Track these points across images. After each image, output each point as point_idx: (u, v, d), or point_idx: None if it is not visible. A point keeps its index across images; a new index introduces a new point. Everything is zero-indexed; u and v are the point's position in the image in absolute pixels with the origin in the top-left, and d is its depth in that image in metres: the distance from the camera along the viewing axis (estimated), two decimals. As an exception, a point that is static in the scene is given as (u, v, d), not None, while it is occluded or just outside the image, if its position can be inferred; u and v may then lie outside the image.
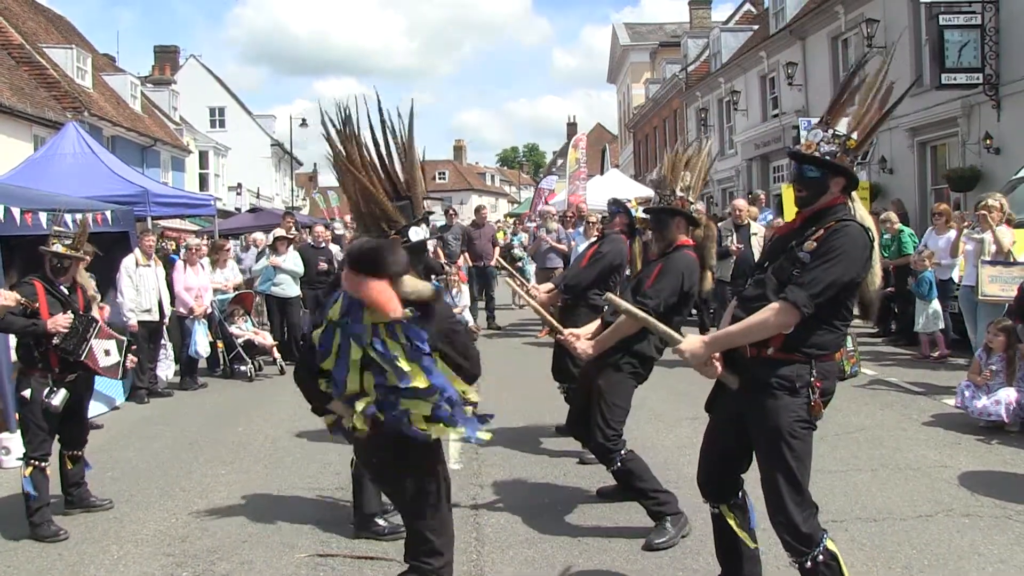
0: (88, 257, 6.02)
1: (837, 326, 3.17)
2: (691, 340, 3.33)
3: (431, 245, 3.60)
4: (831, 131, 3.17)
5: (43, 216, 7.31)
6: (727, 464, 3.47)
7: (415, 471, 3.12)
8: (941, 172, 16.71)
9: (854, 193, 3.27)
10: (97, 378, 5.67)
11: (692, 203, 4.66)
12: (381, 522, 4.78)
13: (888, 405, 7.80)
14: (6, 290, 5.14)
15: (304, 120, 42.69)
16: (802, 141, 3.31)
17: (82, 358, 5.20)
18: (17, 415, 5.79)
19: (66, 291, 5.32)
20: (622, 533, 4.75)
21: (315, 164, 57.77)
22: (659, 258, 4.76)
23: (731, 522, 3.49)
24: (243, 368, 10.43)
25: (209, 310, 10.19)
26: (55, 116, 20.90)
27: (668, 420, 7.30)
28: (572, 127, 70.21)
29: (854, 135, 3.18)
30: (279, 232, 12.18)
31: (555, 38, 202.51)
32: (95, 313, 5.51)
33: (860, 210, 3.24)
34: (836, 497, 5.18)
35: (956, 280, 9.71)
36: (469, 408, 3.15)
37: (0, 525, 5.16)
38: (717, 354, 3.26)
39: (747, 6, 34.65)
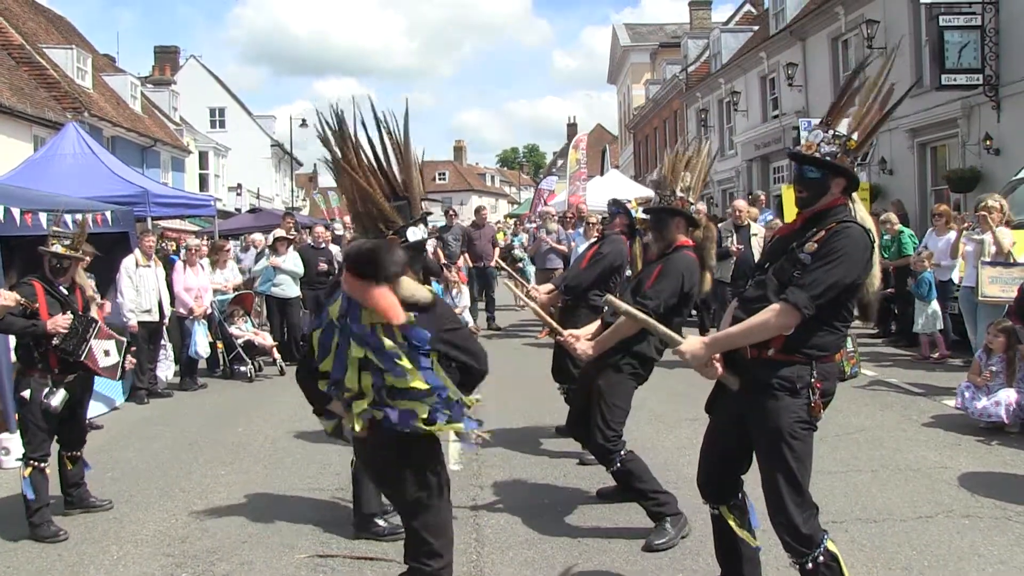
0: (87, 258, 6.02)
1: (837, 327, 3.17)
2: (691, 341, 3.33)
3: (431, 245, 3.60)
4: (831, 132, 3.17)
5: (43, 216, 7.31)
6: (727, 465, 3.46)
7: (415, 472, 3.12)
8: (941, 173, 16.71)
9: (855, 194, 3.27)
10: (97, 378, 5.67)
11: (692, 204, 4.66)
12: (381, 522, 4.78)
13: (888, 406, 7.80)
14: (6, 290, 5.14)
15: (304, 120, 42.68)
16: (802, 142, 3.31)
17: (82, 358, 5.19)
18: (16, 416, 5.79)
19: (65, 291, 5.32)
20: (622, 534, 4.74)
21: (315, 165, 57.56)
22: (659, 259, 4.76)
23: (731, 523, 3.49)
24: (243, 369, 10.43)
25: (209, 311, 10.19)
26: (55, 116, 20.91)
27: (668, 421, 7.30)
28: (572, 128, 70.24)
29: (854, 136, 3.18)
30: (279, 233, 12.18)
31: (555, 39, 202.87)
32: (94, 313, 5.51)
33: (861, 211, 3.23)
34: (836, 498, 5.18)
35: (956, 281, 9.71)
36: (467, 411, 3.17)
37: (0, 525, 5.16)
38: (717, 355, 3.26)
39: (747, 7, 34.67)
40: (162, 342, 9.70)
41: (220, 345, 10.49)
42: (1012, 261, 8.26)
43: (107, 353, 5.48)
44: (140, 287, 8.98)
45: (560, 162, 55.31)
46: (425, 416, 3.00)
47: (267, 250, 12.11)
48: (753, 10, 33.67)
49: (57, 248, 5.24)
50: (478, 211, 15.30)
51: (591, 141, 24.30)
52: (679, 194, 4.58)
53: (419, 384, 2.97)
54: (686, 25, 40.13)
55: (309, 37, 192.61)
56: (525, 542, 4.70)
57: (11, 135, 19.44)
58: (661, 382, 7.17)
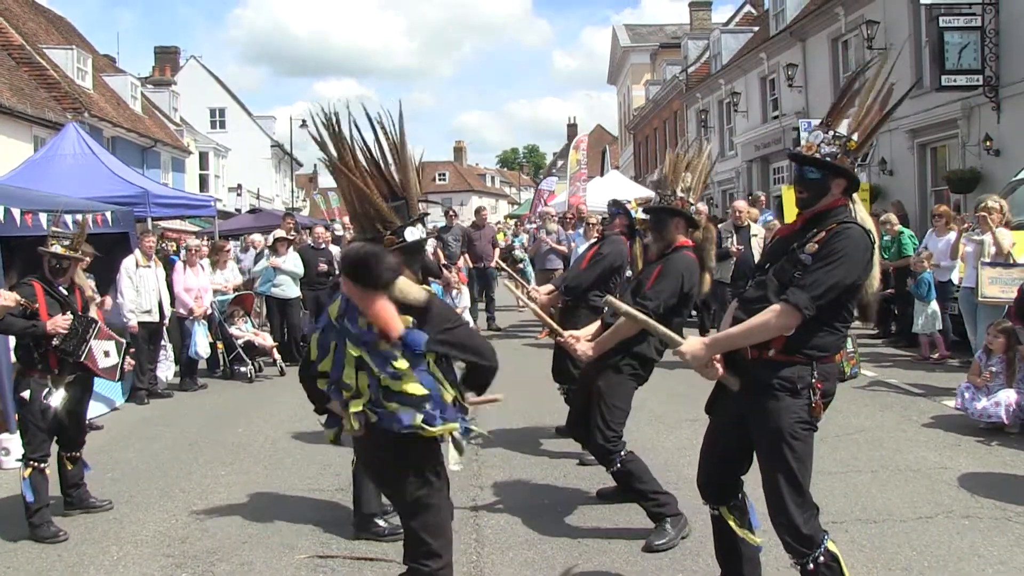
0: (87, 258, 6.02)
1: (838, 328, 3.17)
2: (692, 342, 3.33)
3: (430, 246, 3.61)
4: (832, 132, 3.17)
5: (43, 217, 7.31)
6: (727, 466, 3.46)
7: (413, 472, 3.12)
8: (941, 174, 16.71)
9: (855, 195, 3.27)
10: (97, 379, 5.67)
11: (692, 204, 4.66)
12: (381, 523, 4.78)
13: (888, 407, 7.80)
14: (6, 291, 5.14)
15: (304, 121, 42.59)
16: (803, 143, 3.31)
17: (82, 359, 5.20)
18: (16, 416, 5.79)
19: (65, 292, 5.32)
20: (622, 534, 4.74)
21: (315, 165, 57.71)
22: (658, 259, 4.76)
23: (731, 523, 3.49)
24: (243, 369, 10.43)
25: (209, 311, 10.19)
26: (55, 117, 20.91)
27: (668, 422, 7.30)
28: (572, 128, 70.28)
29: (855, 136, 3.18)
30: (279, 233, 12.18)
31: (555, 39, 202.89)
32: (93, 313, 5.51)
33: (861, 212, 3.24)
34: (836, 498, 5.18)
35: (956, 282, 9.71)
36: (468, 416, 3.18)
37: (0, 526, 5.16)
38: (718, 356, 3.26)
39: (747, 7, 34.68)
40: (162, 343, 9.71)
41: (220, 346, 10.49)
42: (1012, 262, 8.27)
43: (107, 354, 5.49)
44: (140, 287, 8.98)
45: (560, 163, 55.31)
46: (417, 421, 3.01)
47: (267, 251, 12.11)
48: (753, 11, 33.68)
49: (56, 248, 5.24)
50: (478, 212, 15.30)
51: (591, 142, 24.31)
52: (679, 194, 4.59)
53: (413, 388, 2.98)
54: (686, 26, 40.14)
55: (309, 37, 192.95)
56: (525, 543, 4.70)
57: (11, 135, 19.44)
58: (661, 383, 7.17)
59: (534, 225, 16.74)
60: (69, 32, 30.92)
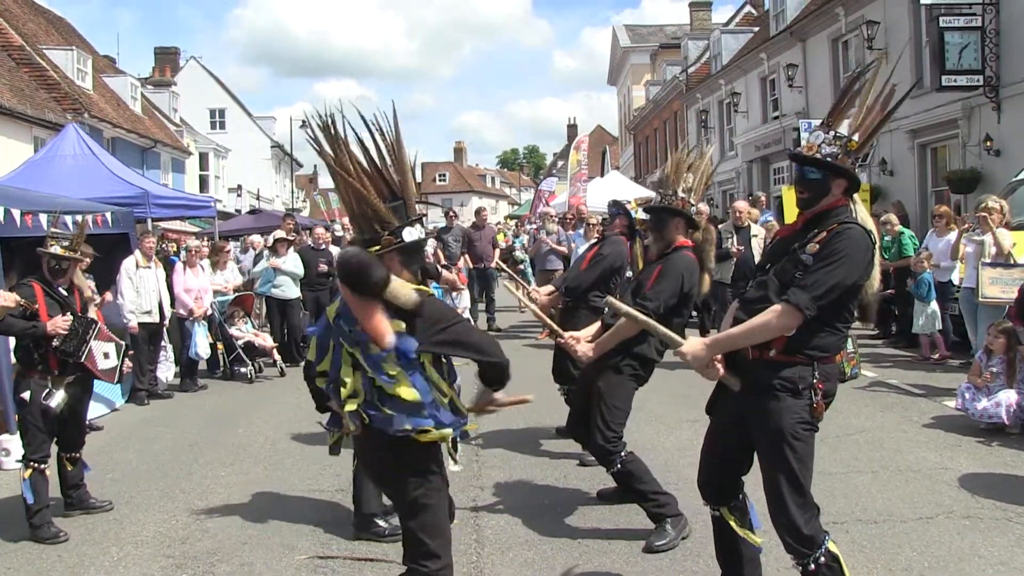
0: (86, 259, 6.02)
1: (839, 328, 3.17)
2: (692, 342, 3.33)
3: (430, 246, 3.61)
4: (832, 133, 3.17)
5: (43, 218, 7.31)
6: (728, 466, 3.46)
7: (411, 473, 3.12)
8: (941, 174, 16.70)
9: (856, 195, 3.27)
10: (96, 380, 5.66)
11: (693, 205, 4.66)
12: (381, 523, 4.78)
13: (888, 407, 7.80)
14: (6, 292, 5.13)
15: (304, 121, 42.64)
16: (803, 143, 3.31)
17: (82, 360, 5.19)
18: (16, 417, 5.79)
19: (64, 292, 5.32)
20: (622, 535, 4.74)
21: (315, 166, 57.73)
22: (658, 259, 4.76)
23: (732, 524, 3.49)
24: (243, 370, 10.43)
25: (209, 312, 10.19)
26: (55, 118, 20.91)
27: (668, 422, 7.30)
28: (572, 129, 70.30)
29: (855, 137, 3.18)
30: (279, 234, 12.18)
31: (555, 40, 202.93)
32: (92, 314, 5.51)
33: (862, 212, 3.24)
34: (836, 499, 5.18)
35: (956, 282, 9.71)
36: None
37: (0, 527, 5.16)
38: (719, 356, 3.26)
39: (747, 8, 34.68)
40: (162, 343, 9.70)
41: (220, 346, 10.50)
42: (1012, 262, 8.27)
43: (107, 356, 5.49)
44: (140, 288, 8.98)
45: (560, 163, 55.31)
46: (409, 426, 3.02)
47: (266, 251, 12.11)
48: (753, 11, 33.68)
49: (56, 249, 5.24)
50: (478, 212, 15.29)
51: (591, 142, 24.28)
52: (681, 195, 4.59)
53: (406, 394, 2.99)
54: (686, 26, 40.15)
55: (309, 38, 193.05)
56: (525, 543, 4.69)
57: (11, 136, 19.44)
58: (662, 383, 7.17)
59: (534, 226, 16.73)
60: (69, 33, 30.93)
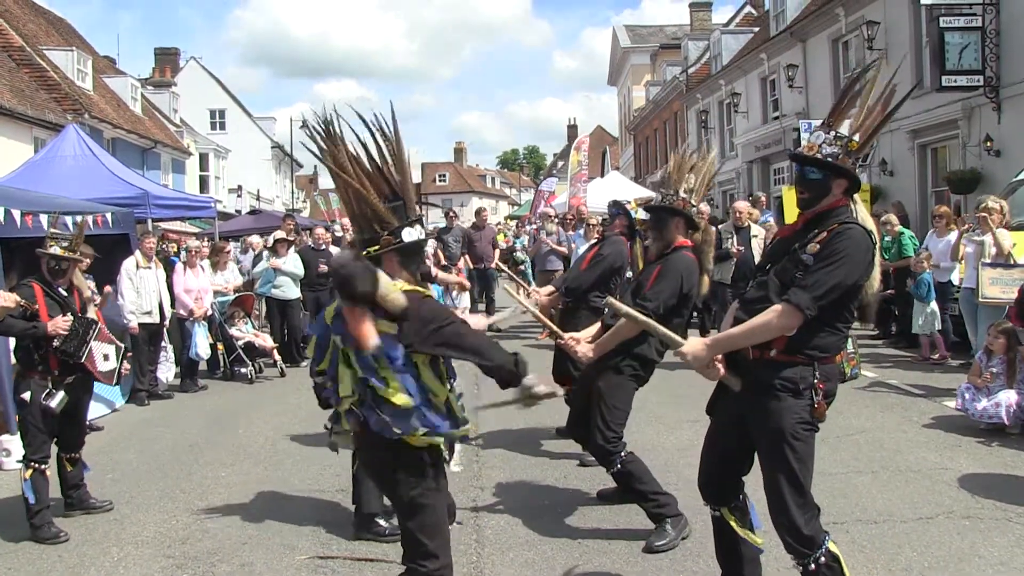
0: (86, 259, 6.01)
1: (839, 328, 3.17)
2: (693, 342, 3.33)
3: (430, 247, 3.61)
4: (833, 133, 3.17)
5: (44, 218, 7.32)
6: (728, 466, 3.46)
7: (409, 472, 3.12)
8: (941, 174, 16.70)
9: (856, 195, 3.27)
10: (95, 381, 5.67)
11: (694, 206, 4.66)
12: (382, 522, 4.78)
13: (888, 407, 7.80)
14: (6, 292, 5.14)
15: (304, 122, 42.65)
16: (804, 143, 3.31)
17: (82, 360, 5.20)
18: (17, 417, 5.79)
19: (64, 293, 5.32)
20: (622, 535, 4.74)
21: (315, 166, 57.62)
22: (658, 259, 4.76)
23: (732, 524, 3.49)
24: (243, 370, 10.43)
25: (209, 312, 10.19)
26: (55, 118, 20.91)
27: (669, 422, 7.30)
28: (572, 129, 70.32)
29: (856, 137, 3.18)
30: (279, 234, 12.19)
31: (555, 40, 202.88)
32: (92, 314, 5.51)
33: (862, 212, 3.24)
34: (837, 499, 5.18)
35: (956, 283, 9.71)
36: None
37: (0, 527, 5.16)
38: (719, 356, 3.26)
39: (748, 8, 34.68)
40: (162, 344, 9.70)
41: (220, 347, 10.50)
42: (1012, 262, 8.27)
43: (106, 357, 5.49)
44: (140, 289, 8.99)
45: (560, 164, 55.33)
46: (397, 432, 3.02)
47: (265, 252, 12.11)
48: (753, 11, 33.68)
49: (55, 250, 5.24)
50: (478, 213, 15.31)
51: (591, 143, 24.28)
52: (682, 195, 4.59)
53: (397, 399, 2.99)
54: (686, 26, 40.16)
55: (309, 39, 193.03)
56: (525, 543, 4.70)
57: (11, 137, 19.44)
58: (662, 384, 7.17)
59: (534, 226, 16.73)
60: (69, 33, 30.93)
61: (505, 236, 20.89)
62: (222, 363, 10.61)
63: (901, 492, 5.38)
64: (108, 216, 8.88)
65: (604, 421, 4.69)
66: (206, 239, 14.18)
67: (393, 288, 2.98)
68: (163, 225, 15.26)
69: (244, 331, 10.78)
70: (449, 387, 3.15)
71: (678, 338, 3.43)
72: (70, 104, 22.64)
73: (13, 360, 6.06)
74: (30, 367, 5.17)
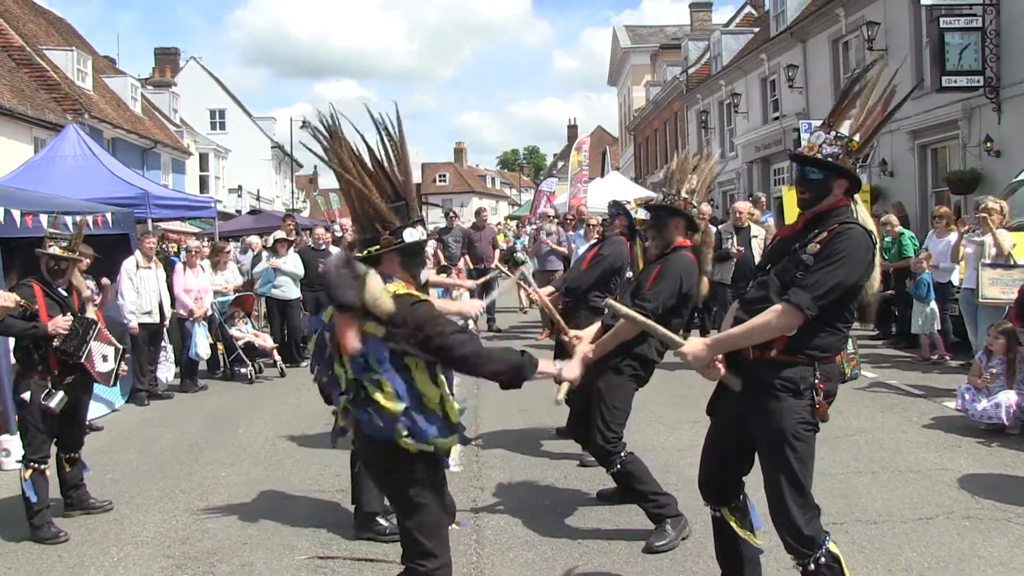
0: (85, 259, 6.01)
1: (839, 328, 3.17)
2: (693, 343, 3.32)
3: (430, 247, 3.61)
4: (833, 133, 3.17)
5: (43, 218, 7.31)
6: (728, 466, 3.46)
7: (408, 472, 3.11)
8: (942, 175, 16.70)
9: (856, 196, 3.27)
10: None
11: (695, 206, 4.66)
12: (383, 522, 4.78)
13: (888, 408, 7.80)
14: (6, 292, 5.13)
15: (304, 122, 42.67)
16: (804, 143, 3.31)
17: (82, 360, 5.20)
18: (16, 417, 5.79)
19: (64, 293, 5.32)
20: (622, 535, 4.74)
21: (315, 166, 57.78)
22: (657, 259, 4.76)
23: (732, 524, 3.49)
24: (243, 370, 10.43)
25: (209, 312, 10.19)
26: (55, 118, 20.91)
27: (669, 423, 7.30)
28: (573, 129, 70.34)
29: (856, 137, 3.18)
30: (279, 234, 12.19)
31: (555, 40, 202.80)
32: (91, 314, 5.51)
33: (862, 212, 3.24)
34: (836, 499, 5.18)
35: (956, 283, 9.71)
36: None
37: (0, 527, 5.16)
38: (720, 356, 3.26)
39: (748, 8, 34.69)
40: (162, 344, 9.70)
41: (220, 347, 10.50)
42: (1012, 263, 8.27)
43: (105, 358, 5.49)
44: (140, 289, 8.99)
45: (560, 164, 55.37)
46: (384, 436, 3.02)
47: (264, 252, 12.10)
48: (754, 12, 33.70)
49: (54, 250, 5.24)
50: (478, 213, 15.30)
51: (592, 143, 24.28)
52: (683, 195, 4.59)
53: (387, 403, 2.97)
54: (686, 27, 40.16)
55: (309, 39, 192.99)
56: (525, 543, 4.69)
57: (11, 137, 19.44)
58: (662, 384, 7.17)
59: (534, 227, 16.73)
60: (69, 33, 30.93)
61: (505, 236, 20.89)
62: (222, 363, 10.61)
63: (901, 492, 5.38)
64: (108, 216, 8.88)
65: (604, 421, 4.69)
66: (206, 239, 14.19)
67: (383, 293, 2.96)
68: (163, 225, 15.27)
69: (244, 331, 10.78)
70: (449, 390, 3.14)
71: (678, 338, 3.43)
72: (70, 104, 22.64)
73: (13, 360, 6.06)
74: (30, 367, 5.17)
